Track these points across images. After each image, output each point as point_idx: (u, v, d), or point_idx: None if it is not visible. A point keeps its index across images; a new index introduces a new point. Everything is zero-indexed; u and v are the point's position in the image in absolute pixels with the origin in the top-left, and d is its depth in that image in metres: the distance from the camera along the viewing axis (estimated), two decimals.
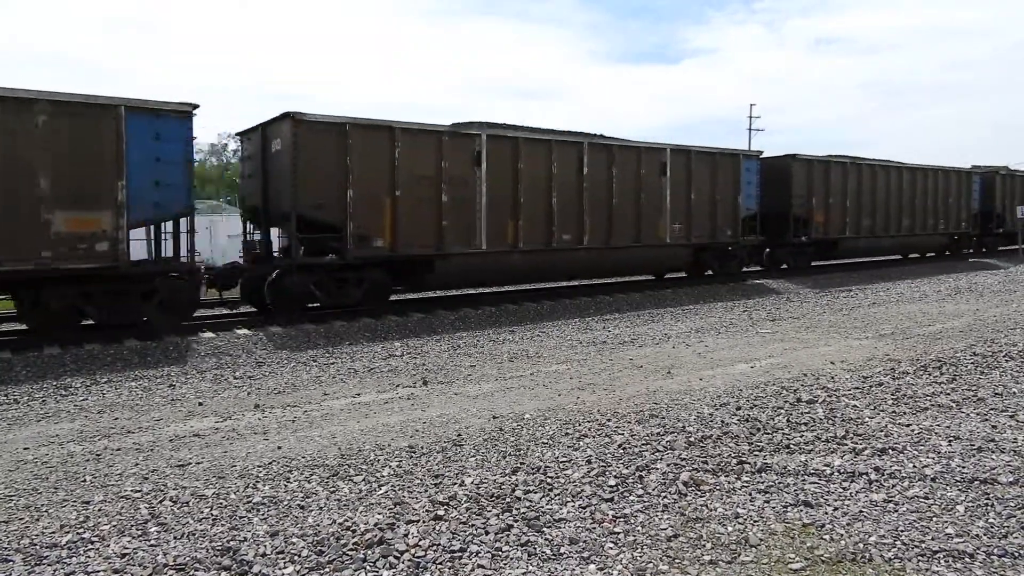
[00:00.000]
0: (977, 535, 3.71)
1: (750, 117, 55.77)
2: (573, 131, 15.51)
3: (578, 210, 14.92)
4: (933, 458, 4.82)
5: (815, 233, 20.32)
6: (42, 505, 4.39)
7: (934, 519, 3.91)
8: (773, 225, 19.80)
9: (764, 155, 19.70)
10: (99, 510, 4.26)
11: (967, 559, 3.48)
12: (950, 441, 5.16)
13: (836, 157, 21.21)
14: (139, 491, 4.57)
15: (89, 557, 3.62)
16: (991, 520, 3.87)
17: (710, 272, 18.38)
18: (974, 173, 26.59)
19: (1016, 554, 3.51)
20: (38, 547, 3.74)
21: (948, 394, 6.53)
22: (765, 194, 19.03)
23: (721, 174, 17.60)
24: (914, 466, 4.68)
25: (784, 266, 20.80)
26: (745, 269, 19.69)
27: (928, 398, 6.41)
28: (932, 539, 3.68)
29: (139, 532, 3.91)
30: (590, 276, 17.21)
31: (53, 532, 3.94)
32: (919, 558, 3.50)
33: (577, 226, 14.96)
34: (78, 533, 3.91)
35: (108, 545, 3.74)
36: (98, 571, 3.46)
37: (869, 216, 22.08)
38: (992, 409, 5.99)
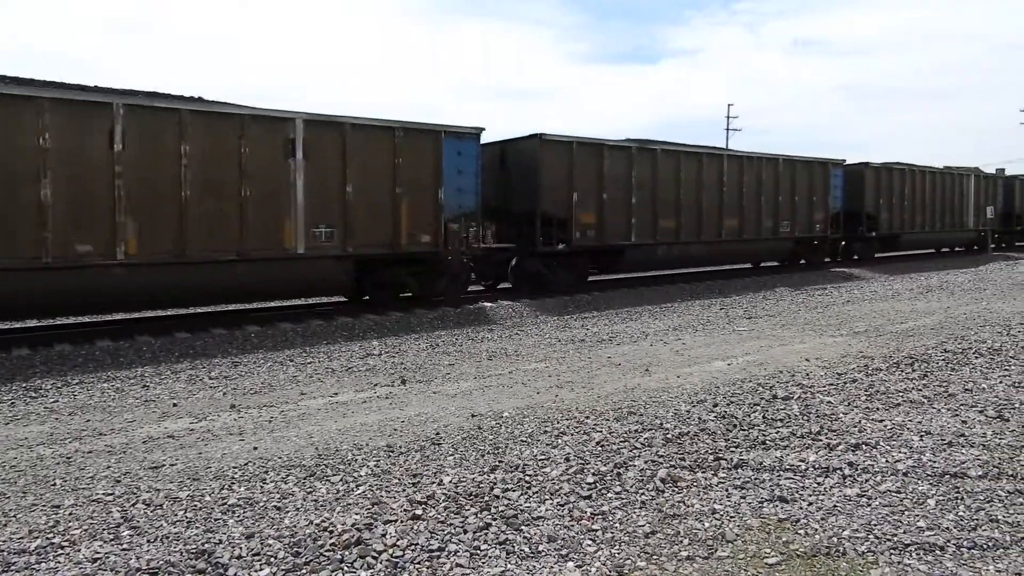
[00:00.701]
0: (948, 528, 3.78)
1: (727, 117, 56.31)
2: (108, 88, 10.51)
3: (107, 206, 9.77)
4: (905, 453, 4.89)
5: (581, 239, 15.26)
6: (10, 510, 4.30)
7: (906, 513, 3.97)
8: (523, 229, 14.98)
9: (505, 138, 15.17)
10: (70, 514, 4.18)
11: (938, 552, 3.54)
12: (922, 436, 5.25)
13: (616, 142, 16.21)
14: (111, 494, 4.50)
15: (59, 563, 3.55)
16: (961, 513, 3.95)
17: (409, 294, 13.56)
18: (833, 164, 21.75)
19: (985, 546, 3.58)
20: (6, 553, 3.66)
21: (920, 390, 6.64)
22: (501, 187, 15.01)
23: (408, 158, 12.55)
24: (887, 461, 4.76)
25: (567, 281, 15.64)
26: (500, 286, 15.67)
27: (900, 394, 6.51)
28: (904, 532, 3.74)
29: (111, 536, 3.84)
30: (151, 305, 11.42)
31: (22, 537, 3.86)
32: (891, 551, 3.55)
33: (106, 231, 9.79)
34: (48, 538, 3.83)
35: (79, 550, 3.68)
36: None
37: (671, 217, 16.99)
38: (962, 405, 6.11)
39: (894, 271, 22.13)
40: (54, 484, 4.77)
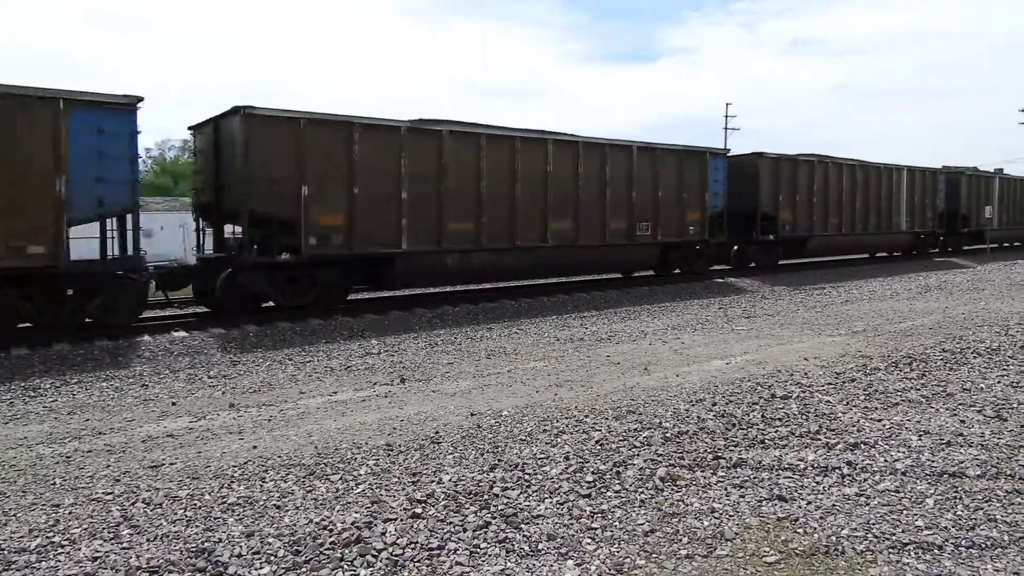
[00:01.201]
0: (946, 527, 3.79)
1: (726, 116, 56.35)
2: None
3: None
4: (904, 452, 4.90)
5: (319, 246, 11.74)
6: (10, 509, 4.30)
7: (904, 512, 3.98)
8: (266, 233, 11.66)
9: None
10: (70, 513, 4.18)
11: (936, 551, 3.55)
12: (920, 436, 5.26)
13: (372, 119, 12.31)
14: (111, 493, 4.50)
15: (59, 561, 3.55)
16: (959, 513, 3.96)
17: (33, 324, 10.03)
18: (712, 154, 17.80)
19: (983, 546, 3.59)
20: (6, 552, 3.66)
21: (918, 390, 6.66)
22: (215, 179, 11.93)
23: None
24: (885, 460, 4.77)
25: (304, 303, 12.15)
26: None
27: (899, 394, 6.53)
28: (902, 532, 3.75)
29: (111, 535, 3.84)
30: None
31: (22, 536, 3.86)
32: (890, 550, 3.56)
33: None
34: (48, 537, 3.83)
35: (79, 548, 3.68)
36: (69, 575, 3.40)
37: (468, 218, 13.41)
38: (960, 404, 6.12)
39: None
40: (54, 483, 4.77)
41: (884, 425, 5.55)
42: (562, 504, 4.13)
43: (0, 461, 5.30)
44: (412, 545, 3.63)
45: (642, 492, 4.30)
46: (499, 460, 4.89)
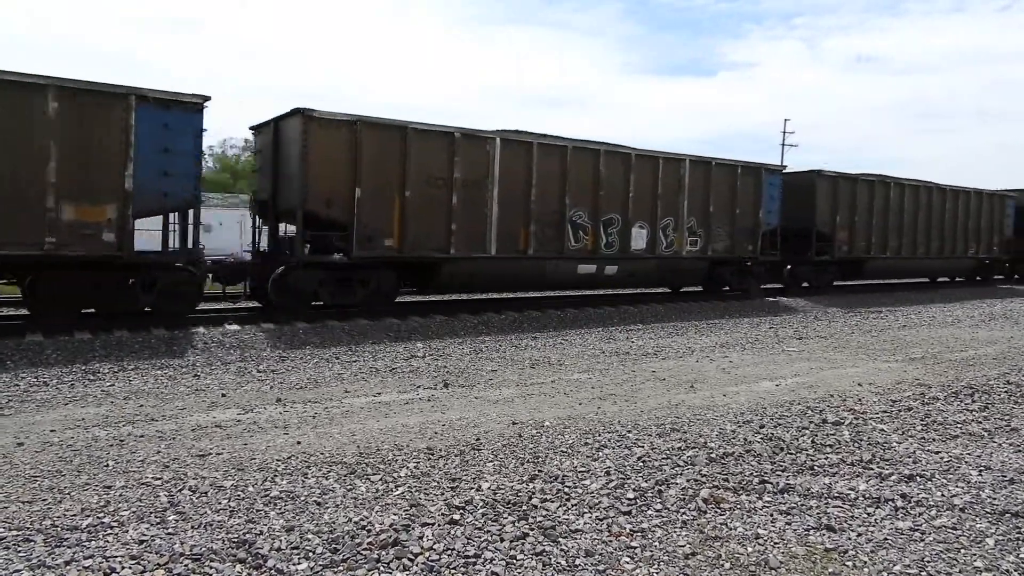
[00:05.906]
0: (1007, 570, 3.60)
1: (783, 132, 55.24)
2: None
3: None
4: (962, 487, 4.69)
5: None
6: (65, 487, 4.45)
7: (962, 551, 3.79)
8: None
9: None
10: (120, 495, 4.31)
11: None
12: (981, 471, 5.02)
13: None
14: (160, 479, 4.62)
15: (108, 541, 3.65)
16: (1022, 555, 3.75)
17: None
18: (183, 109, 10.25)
19: None
20: (59, 529, 3.79)
21: (979, 422, 6.36)
22: None
23: None
24: (942, 495, 4.56)
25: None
26: None
27: (959, 425, 6.25)
28: (959, 572, 3.57)
29: (158, 520, 3.94)
30: None
31: (74, 515, 3.99)
32: None
33: None
34: (98, 517, 3.95)
35: (127, 531, 3.78)
36: (116, 556, 3.49)
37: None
38: None
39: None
40: (107, 465, 4.93)
41: (942, 458, 5.32)
42: (601, 520, 4.07)
43: (59, 441, 5.50)
44: (449, 551, 3.62)
45: (684, 513, 4.21)
46: (539, 471, 4.85)
